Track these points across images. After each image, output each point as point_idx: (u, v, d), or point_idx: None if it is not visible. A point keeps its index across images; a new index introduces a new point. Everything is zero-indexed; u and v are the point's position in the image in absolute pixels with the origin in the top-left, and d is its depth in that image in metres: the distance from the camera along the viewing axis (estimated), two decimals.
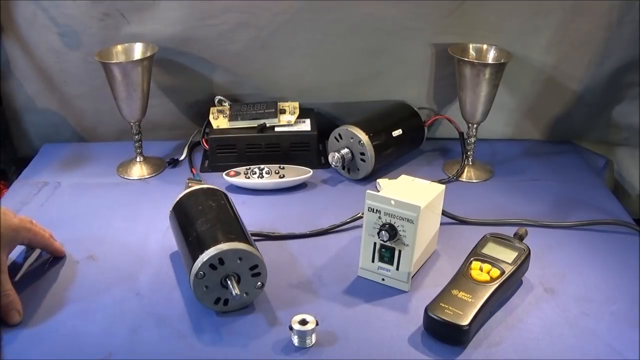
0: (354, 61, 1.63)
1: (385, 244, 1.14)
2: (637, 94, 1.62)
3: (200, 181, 1.43)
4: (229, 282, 1.07)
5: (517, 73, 1.58)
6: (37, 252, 1.27)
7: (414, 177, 1.28)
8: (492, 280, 1.10)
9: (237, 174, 1.50)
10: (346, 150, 1.51)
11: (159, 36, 1.56)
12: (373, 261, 1.18)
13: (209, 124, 1.61)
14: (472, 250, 1.19)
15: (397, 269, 1.16)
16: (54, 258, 1.26)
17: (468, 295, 1.07)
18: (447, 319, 1.03)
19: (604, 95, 1.63)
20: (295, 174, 1.51)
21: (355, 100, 1.70)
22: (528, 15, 1.54)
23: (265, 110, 1.60)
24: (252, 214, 1.37)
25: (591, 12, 1.51)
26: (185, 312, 1.12)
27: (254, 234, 1.27)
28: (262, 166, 1.52)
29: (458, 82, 1.51)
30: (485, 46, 1.54)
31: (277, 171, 1.51)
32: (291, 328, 1.03)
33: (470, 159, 1.59)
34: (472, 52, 1.54)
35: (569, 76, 1.61)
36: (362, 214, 1.18)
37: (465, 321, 1.02)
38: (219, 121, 1.60)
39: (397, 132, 1.56)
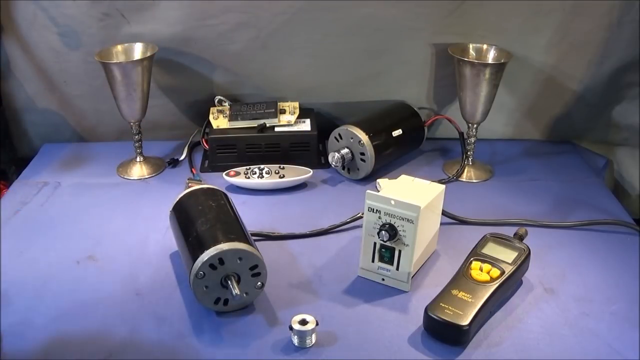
0: (354, 61, 1.63)
1: (385, 244, 1.14)
2: (637, 94, 1.62)
3: (200, 181, 1.43)
4: (229, 282, 1.07)
5: (517, 73, 1.58)
6: None
7: (414, 177, 1.28)
8: (492, 280, 1.10)
9: (237, 174, 1.50)
10: (346, 150, 1.51)
11: (159, 36, 1.56)
12: (373, 261, 1.18)
13: (209, 124, 1.61)
14: (472, 250, 1.19)
15: (397, 269, 1.16)
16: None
17: (468, 295, 1.07)
18: (447, 319, 1.03)
19: (604, 95, 1.63)
20: (295, 174, 1.51)
21: (355, 100, 1.70)
22: (528, 15, 1.54)
23: (265, 110, 1.60)
24: (252, 214, 1.37)
25: (591, 12, 1.51)
26: (185, 312, 1.12)
27: (254, 234, 1.27)
28: (262, 166, 1.52)
29: (458, 82, 1.51)
30: (485, 46, 1.54)
31: (277, 171, 1.51)
32: (291, 328, 1.03)
33: (470, 159, 1.59)
34: (472, 52, 1.54)
35: (569, 76, 1.61)
36: (362, 214, 1.18)
37: (465, 321, 1.02)
38: (219, 121, 1.60)
39: (397, 132, 1.56)
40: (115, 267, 1.24)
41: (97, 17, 1.54)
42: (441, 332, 1.05)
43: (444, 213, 1.32)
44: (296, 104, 1.65)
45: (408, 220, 1.11)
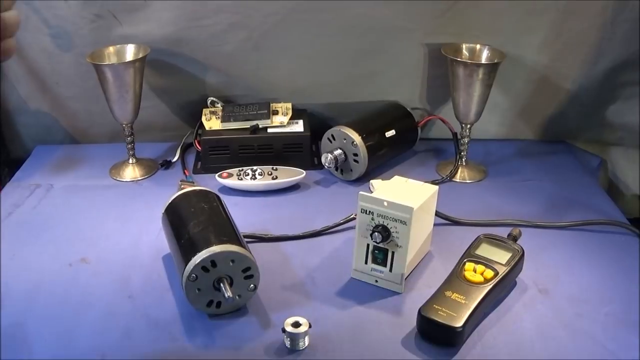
0: (347, 61, 1.63)
1: (379, 245, 1.13)
2: (631, 93, 1.61)
3: (193, 183, 1.43)
4: (221, 285, 1.06)
5: (510, 73, 1.58)
6: None
7: (407, 178, 1.27)
8: (486, 281, 1.10)
9: (230, 175, 1.50)
10: (339, 151, 1.50)
11: (151, 37, 1.55)
12: (366, 263, 1.17)
13: (202, 125, 1.61)
14: (465, 251, 1.18)
15: (391, 270, 1.15)
16: None
17: (462, 297, 1.07)
18: (440, 320, 1.03)
19: (598, 94, 1.63)
20: (288, 175, 1.50)
21: (348, 101, 1.69)
22: (521, 15, 1.54)
23: (258, 112, 1.59)
24: (244, 215, 1.36)
25: (585, 11, 1.51)
26: (178, 315, 1.11)
27: (246, 236, 1.27)
28: (254, 167, 1.51)
29: (451, 82, 1.51)
30: (478, 46, 1.53)
31: (270, 172, 1.50)
32: (284, 330, 1.02)
33: (463, 160, 1.58)
34: (465, 52, 1.54)
35: (562, 76, 1.61)
36: (355, 215, 1.18)
37: (459, 323, 1.02)
38: (212, 122, 1.60)
39: (390, 133, 1.55)
40: (107, 269, 1.24)
41: (89, 18, 1.54)
42: (435, 333, 1.04)
43: (437, 214, 1.31)
44: (289, 105, 1.65)
45: (401, 221, 1.10)
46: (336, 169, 1.54)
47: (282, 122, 1.60)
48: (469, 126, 1.54)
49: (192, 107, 1.68)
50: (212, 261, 1.05)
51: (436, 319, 1.03)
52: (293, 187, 1.52)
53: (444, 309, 1.04)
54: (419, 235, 1.20)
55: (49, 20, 1.54)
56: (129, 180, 1.56)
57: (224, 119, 1.59)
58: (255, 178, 1.49)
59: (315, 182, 1.55)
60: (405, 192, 1.20)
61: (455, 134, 1.59)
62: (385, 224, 1.12)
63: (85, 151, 1.69)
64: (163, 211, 1.24)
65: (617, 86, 1.62)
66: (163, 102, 1.68)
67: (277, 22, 1.55)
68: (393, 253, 1.14)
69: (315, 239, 1.34)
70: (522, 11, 1.53)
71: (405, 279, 1.17)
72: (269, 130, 1.58)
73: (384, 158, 1.59)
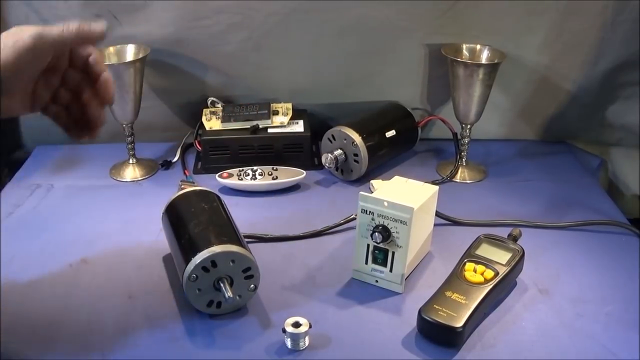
0: (347, 62, 1.63)
1: (379, 245, 1.13)
2: (631, 93, 1.61)
3: (193, 183, 1.43)
4: (221, 285, 1.06)
5: (510, 73, 1.58)
6: None
7: (407, 178, 1.27)
8: (486, 281, 1.10)
9: (230, 175, 1.50)
10: (339, 151, 1.50)
11: (151, 37, 1.55)
12: (366, 263, 1.17)
13: (202, 125, 1.60)
14: (465, 252, 1.18)
15: (391, 270, 1.15)
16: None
17: (462, 297, 1.07)
18: (440, 320, 1.03)
19: (598, 95, 1.63)
20: (289, 175, 1.50)
21: (348, 101, 1.69)
22: (522, 15, 1.54)
23: (258, 112, 1.59)
24: (245, 215, 1.36)
25: (585, 12, 1.51)
26: (178, 315, 1.11)
27: (246, 236, 1.27)
28: (255, 168, 1.51)
29: (451, 83, 1.51)
30: (478, 46, 1.54)
31: (270, 173, 1.50)
32: (284, 330, 1.02)
33: (464, 160, 1.58)
34: (465, 52, 1.54)
35: (562, 76, 1.61)
36: (356, 215, 1.18)
37: (459, 323, 1.02)
38: (212, 123, 1.60)
39: (390, 133, 1.55)
40: (107, 269, 1.24)
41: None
42: (435, 334, 1.04)
43: (437, 214, 1.31)
44: (289, 105, 1.65)
45: (401, 221, 1.10)
46: (336, 169, 1.54)
47: (282, 122, 1.60)
48: (469, 126, 1.54)
49: (193, 107, 1.67)
50: (213, 261, 1.05)
51: (436, 319, 1.03)
52: (293, 187, 1.52)
53: (444, 309, 1.04)
54: (419, 235, 1.20)
55: (49, 21, 1.53)
56: (129, 180, 1.56)
57: (224, 119, 1.59)
58: (256, 178, 1.49)
59: (315, 182, 1.55)
60: (405, 192, 1.20)
61: (455, 134, 1.59)
62: (386, 224, 1.12)
63: (85, 151, 1.69)
64: (163, 211, 1.24)
65: (617, 86, 1.62)
66: (163, 102, 1.68)
67: (277, 23, 1.55)
68: (393, 253, 1.14)
69: (315, 239, 1.34)
70: (522, 11, 1.53)
71: (406, 279, 1.17)
72: (269, 130, 1.58)
73: (384, 158, 1.59)
